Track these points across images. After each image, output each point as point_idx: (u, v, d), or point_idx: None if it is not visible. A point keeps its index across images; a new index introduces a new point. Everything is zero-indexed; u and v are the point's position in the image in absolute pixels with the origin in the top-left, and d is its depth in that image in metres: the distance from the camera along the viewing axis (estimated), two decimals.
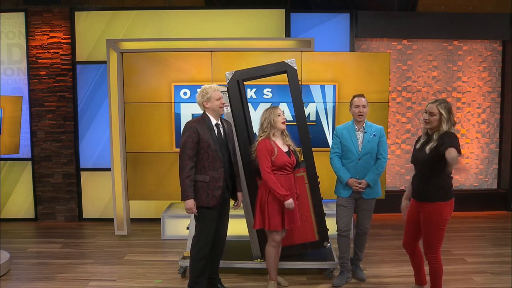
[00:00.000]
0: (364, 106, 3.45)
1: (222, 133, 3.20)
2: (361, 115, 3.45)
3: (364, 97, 3.49)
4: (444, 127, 2.79)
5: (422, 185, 2.91)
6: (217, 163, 3.09)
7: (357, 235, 3.62)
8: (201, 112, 3.23)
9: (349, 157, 3.48)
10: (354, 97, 3.50)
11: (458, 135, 6.30)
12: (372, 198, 3.50)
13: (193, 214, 3.12)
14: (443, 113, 2.79)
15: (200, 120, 3.15)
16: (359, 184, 3.42)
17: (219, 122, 3.20)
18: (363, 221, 3.55)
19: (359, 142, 3.47)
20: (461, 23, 5.72)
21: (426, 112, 2.87)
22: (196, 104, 3.23)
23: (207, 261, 3.17)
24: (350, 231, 3.58)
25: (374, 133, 3.47)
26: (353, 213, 3.59)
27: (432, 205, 2.87)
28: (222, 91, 3.55)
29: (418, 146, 2.96)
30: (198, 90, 3.21)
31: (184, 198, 3.05)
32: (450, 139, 2.68)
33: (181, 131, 3.16)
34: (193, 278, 3.17)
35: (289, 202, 3.12)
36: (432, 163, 2.81)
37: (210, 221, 3.13)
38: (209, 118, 3.16)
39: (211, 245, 3.20)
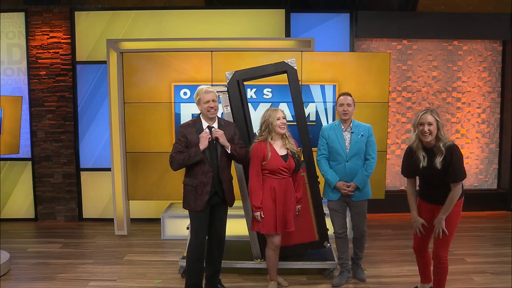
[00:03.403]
0: (349, 105, 3.37)
1: (214, 137, 3.11)
2: (346, 114, 3.37)
3: (350, 95, 3.42)
4: (442, 132, 2.79)
5: (435, 192, 2.90)
6: (206, 167, 3.05)
7: (355, 239, 3.57)
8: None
9: (336, 159, 3.42)
10: (340, 95, 3.46)
11: (458, 135, 6.30)
12: (362, 200, 3.44)
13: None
14: (438, 119, 2.81)
15: (190, 124, 3.13)
16: (348, 187, 3.37)
17: (214, 125, 3.13)
18: (358, 225, 3.49)
19: (347, 143, 3.39)
20: (461, 23, 5.72)
21: (422, 124, 2.79)
22: (195, 104, 3.21)
23: (202, 263, 3.17)
24: (347, 231, 3.57)
25: (362, 133, 3.38)
26: (347, 214, 3.56)
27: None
28: (222, 91, 3.55)
29: (424, 164, 2.83)
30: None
31: (199, 151, 3.00)
32: (458, 160, 2.74)
33: None
34: (188, 278, 3.17)
35: (256, 214, 3.12)
36: (446, 175, 2.79)
37: (199, 224, 3.11)
38: (201, 120, 3.13)
39: (209, 246, 3.23)
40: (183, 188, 3.16)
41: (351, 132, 3.40)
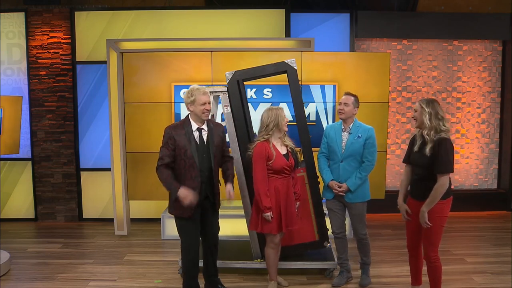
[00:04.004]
0: (346, 104, 3.32)
1: (205, 139, 3.04)
2: (341, 113, 3.35)
3: (351, 95, 3.37)
4: (427, 121, 2.84)
5: (422, 185, 2.92)
6: (194, 172, 2.97)
7: (357, 242, 3.55)
8: None
9: (333, 159, 3.41)
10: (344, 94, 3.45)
11: (458, 135, 6.28)
12: (357, 202, 3.38)
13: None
14: (424, 107, 2.87)
15: (179, 125, 3.01)
16: (339, 188, 3.36)
17: (203, 127, 3.06)
18: (355, 227, 3.46)
19: (343, 143, 3.36)
20: (461, 23, 5.72)
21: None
22: None
23: (197, 265, 3.16)
24: (345, 232, 3.55)
25: (359, 134, 3.33)
26: (345, 215, 3.54)
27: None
28: (222, 91, 3.55)
29: (416, 148, 2.95)
30: (185, 90, 3.06)
31: (174, 193, 2.90)
32: (446, 152, 2.78)
33: None
34: (185, 280, 3.17)
35: (267, 214, 3.09)
36: (433, 165, 2.82)
37: (188, 231, 3.06)
38: (190, 122, 3.02)
39: (205, 247, 3.24)
40: (169, 193, 3.03)
41: (349, 133, 3.37)
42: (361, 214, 3.43)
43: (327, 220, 3.65)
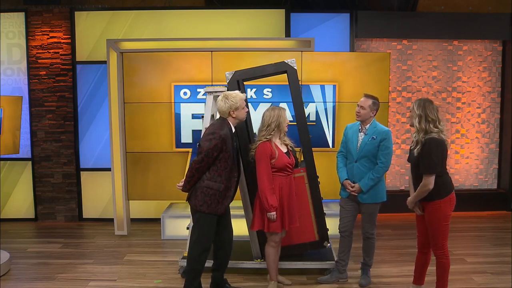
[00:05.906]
0: (362, 108, 3.33)
1: (236, 142, 3.19)
2: (357, 116, 3.37)
3: (370, 98, 3.35)
4: (416, 123, 2.88)
5: (416, 185, 2.95)
6: (234, 173, 3.11)
7: (363, 240, 3.54)
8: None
9: (349, 158, 3.45)
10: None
11: (458, 135, 6.26)
12: (369, 203, 3.37)
13: (192, 217, 3.11)
14: (415, 109, 2.89)
15: (225, 128, 3.04)
16: (352, 187, 3.37)
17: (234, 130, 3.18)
18: (364, 225, 3.47)
19: (358, 143, 3.38)
20: (461, 23, 5.72)
21: None
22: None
23: (204, 265, 3.16)
24: (350, 232, 3.53)
25: (374, 135, 3.33)
26: (356, 216, 3.54)
27: (431, 204, 2.92)
28: (221, 91, 3.55)
29: (412, 146, 3.00)
30: (221, 96, 3.08)
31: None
32: (429, 153, 2.81)
33: (207, 134, 3.02)
34: (191, 278, 3.13)
35: (272, 213, 3.10)
36: (419, 165, 2.88)
37: (213, 227, 3.10)
38: (231, 126, 3.11)
39: (222, 245, 3.25)
40: (200, 190, 3.03)
41: (365, 134, 3.37)
42: (372, 214, 3.43)
43: (327, 220, 3.66)
